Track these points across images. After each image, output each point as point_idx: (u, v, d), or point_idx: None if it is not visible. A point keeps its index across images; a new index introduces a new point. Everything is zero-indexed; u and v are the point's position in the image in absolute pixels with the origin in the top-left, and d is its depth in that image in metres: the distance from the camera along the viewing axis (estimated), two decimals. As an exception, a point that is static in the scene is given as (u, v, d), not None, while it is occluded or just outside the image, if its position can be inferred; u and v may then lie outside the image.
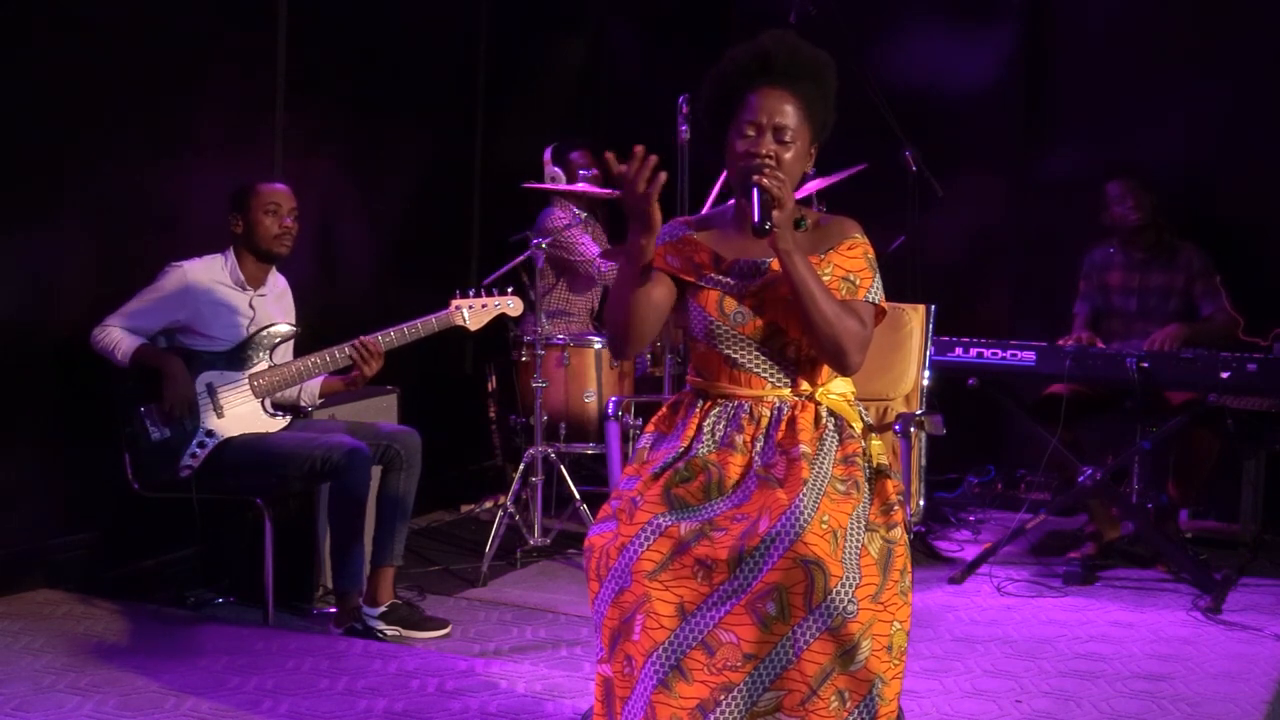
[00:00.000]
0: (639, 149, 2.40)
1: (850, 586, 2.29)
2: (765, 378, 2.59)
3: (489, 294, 4.17)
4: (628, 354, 2.66)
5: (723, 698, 2.32)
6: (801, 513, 2.33)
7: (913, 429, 3.59)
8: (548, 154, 5.26)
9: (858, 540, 2.38)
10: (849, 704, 2.31)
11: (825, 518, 2.34)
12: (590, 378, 4.91)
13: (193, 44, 4.44)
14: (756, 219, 2.44)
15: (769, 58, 2.54)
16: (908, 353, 3.95)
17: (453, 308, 4.11)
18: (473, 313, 4.13)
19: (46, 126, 4.04)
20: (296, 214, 4.02)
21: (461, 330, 4.15)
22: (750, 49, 2.57)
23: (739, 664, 2.33)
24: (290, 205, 4.00)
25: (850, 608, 2.28)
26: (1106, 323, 5.02)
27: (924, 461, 3.85)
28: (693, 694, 2.33)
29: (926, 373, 3.96)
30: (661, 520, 2.40)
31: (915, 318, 4.01)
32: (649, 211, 2.44)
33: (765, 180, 2.45)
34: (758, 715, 2.33)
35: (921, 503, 3.84)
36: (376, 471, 3.94)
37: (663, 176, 2.40)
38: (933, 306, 3.98)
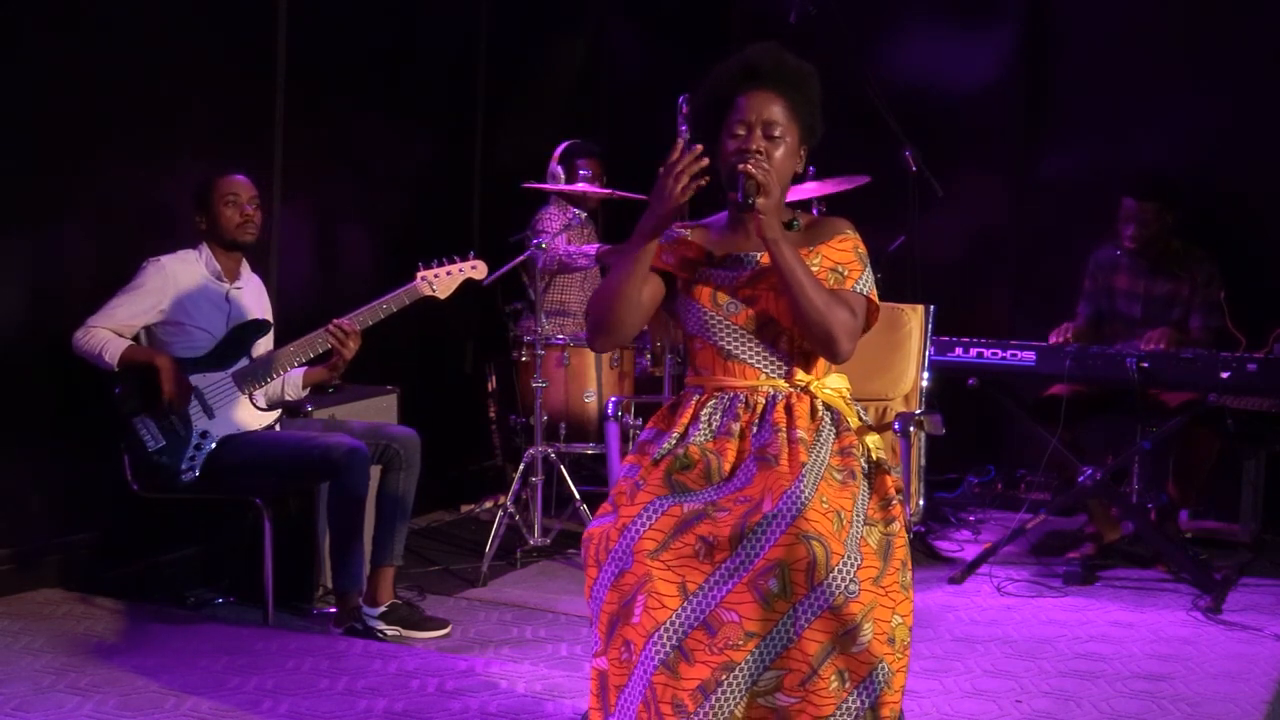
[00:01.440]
0: (699, 148, 2.48)
1: (852, 567, 2.31)
2: (759, 368, 2.63)
3: (451, 260, 4.15)
4: (605, 345, 2.70)
5: (724, 677, 2.33)
6: (803, 491, 2.36)
7: (912, 429, 3.59)
8: (557, 151, 5.26)
9: (858, 530, 2.40)
10: (849, 684, 2.32)
11: (825, 499, 2.37)
12: (590, 378, 4.91)
13: (193, 44, 4.44)
14: (740, 197, 2.50)
15: (755, 67, 2.61)
16: (907, 353, 3.95)
17: (419, 279, 4.09)
18: (439, 281, 4.11)
19: (47, 127, 4.04)
20: (258, 202, 4.02)
21: (433, 300, 4.12)
22: (736, 60, 2.65)
23: (741, 642, 2.33)
24: (250, 194, 4.00)
25: (852, 587, 2.29)
26: (1110, 325, 5.00)
27: (924, 461, 3.84)
28: (694, 675, 2.33)
29: (926, 373, 3.96)
30: (663, 501, 2.42)
31: (914, 318, 4.00)
32: (672, 212, 2.52)
33: (750, 167, 2.51)
34: (758, 694, 2.34)
35: (921, 502, 3.84)
36: (376, 471, 3.94)
37: (702, 181, 2.49)
38: (932, 307, 3.98)
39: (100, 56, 4.14)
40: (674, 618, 2.34)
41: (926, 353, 3.98)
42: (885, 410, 4.06)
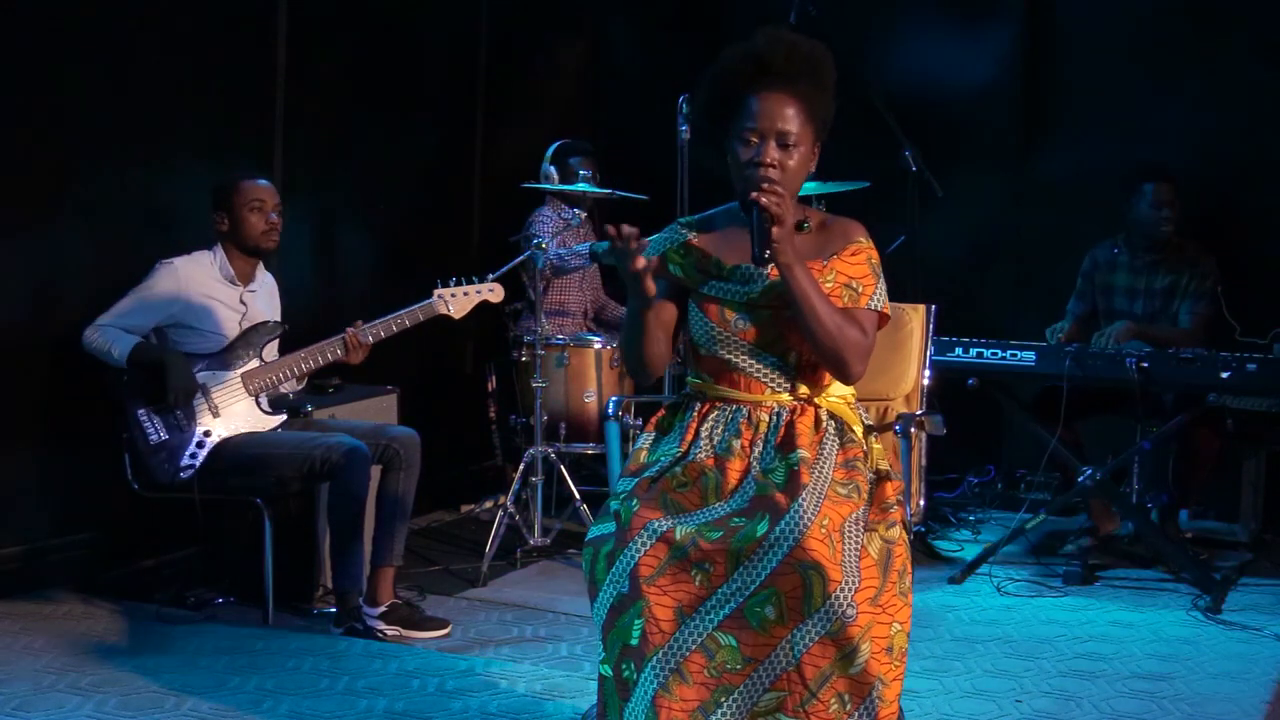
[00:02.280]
0: (626, 229, 2.42)
1: (850, 590, 2.29)
2: (765, 383, 2.58)
3: (470, 281, 4.17)
4: (650, 378, 2.73)
5: (724, 699, 2.33)
6: (802, 517, 2.33)
7: (913, 429, 3.59)
8: (550, 151, 5.26)
9: (857, 542, 2.38)
10: (850, 706, 2.31)
11: (825, 520, 2.34)
12: (590, 378, 4.91)
13: (193, 44, 4.44)
14: (755, 248, 2.43)
15: (766, 60, 2.51)
16: (908, 353, 3.95)
17: (436, 297, 4.12)
18: (455, 301, 4.14)
19: (46, 127, 4.04)
20: (280, 209, 4.03)
21: (446, 319, 4.15)
22: (745, 50, 2.54)
23: (739, 666, 2.33)
24: (274, 201, 4.02)
25: (850, 611, 2.28)
26: (1108, 324, 5.00)
27: (924, 462, 3.84)
28: (693, 696, 2.33)
29: (927, 373, 3.95)
30: (659, 524, 2.39)
31: (915, 318, 4.00)
32: (643, 286, 2.49)
33: (764, 199, 2.43)
34: (758, 715, 2.34)
35: (922, 503, 3.84)
36: (376, 471, 3.94)
37: (652, 262, 2.47)
38: (933, 307, 3.97)
39: (100, 56, 4.14)
40: (671, 642, 2.34)
41: (927, 353, 3.97)
42: (886, 410, 4.06)
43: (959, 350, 4.49)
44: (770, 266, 2.52)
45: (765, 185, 2.44)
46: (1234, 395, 4.58)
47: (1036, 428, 4.60)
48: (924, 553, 4.89)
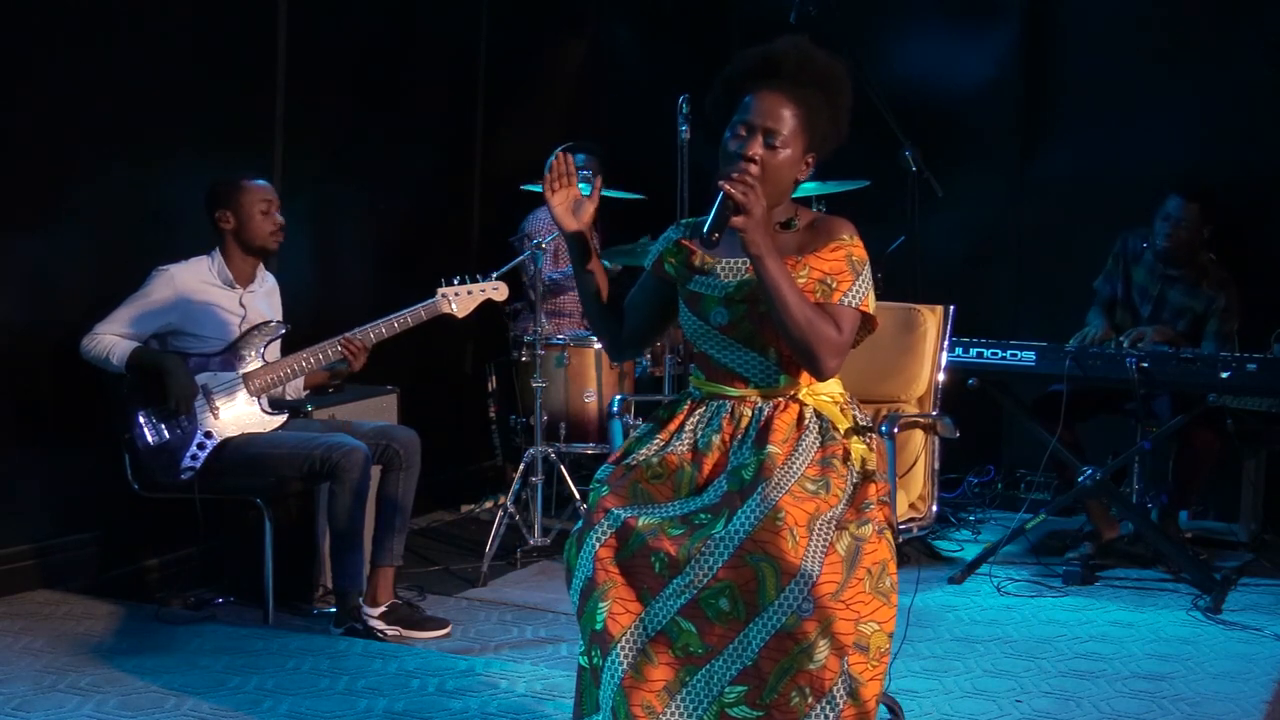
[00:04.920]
0: (559, 155, 2.62)
1: (805, 584, 2.28)
2: (748, 378, 2.59)
3: (473, 280, 4.17)
4: (617, 354, 2.83)
5: (688, 679, 2.35)
6: (753, 510, 2.35)
7: (927, 433, 3.55)
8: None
9: (824, 539, 2.35)
10: (810, 699, 2.29)
11: (781, 514, 2.33)
12: (590, 378, 4.92)
13: (193, 45, 4.44)
14: (706, 228, 2.43)
15: (777, 62, 2.53)
16: (920, 354, 3.89)
17: (439, 296, 4.11)
18: (459, 299, 4.14)
19: (47, 127, 4.04)
20: (279, 207, 4.04)
21: (449, 318, 4.15)
22: (760, 51, 2.56)
23: (700, 651, 2.35)
24: (277, 201, 4.02)
25: (805, 606, 2.27)
26: (1121, 313, 4.99)
27: (937, 465, 3.80)
28: (659, 676, 2.36)
29: (941, 375, 3.88)
30: (620, 513, 2.43)
31: (931, 319, 3.93)
32: (560, 220, 2.62)
33: (730, 187, 2.42)
34: (727, 707, 2.34)
35: (934, 508, 3.81)
36: (376, 472, 3.94)
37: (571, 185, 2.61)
38: (952, 308, 3.91)
39: (101, 57, 4.14)
40: (637, 623, 2.37)
41: (942, 355, 3.90)
42: (898, 412, 4.02)
43: (959, 350, 4.49)
44: (746, 264, 2.52)
45: (736, 175, 2.44)
46: (1234, 395, 4.57)
47: (1037, 428, 4.60)
48: (924, 553, 4.89)
